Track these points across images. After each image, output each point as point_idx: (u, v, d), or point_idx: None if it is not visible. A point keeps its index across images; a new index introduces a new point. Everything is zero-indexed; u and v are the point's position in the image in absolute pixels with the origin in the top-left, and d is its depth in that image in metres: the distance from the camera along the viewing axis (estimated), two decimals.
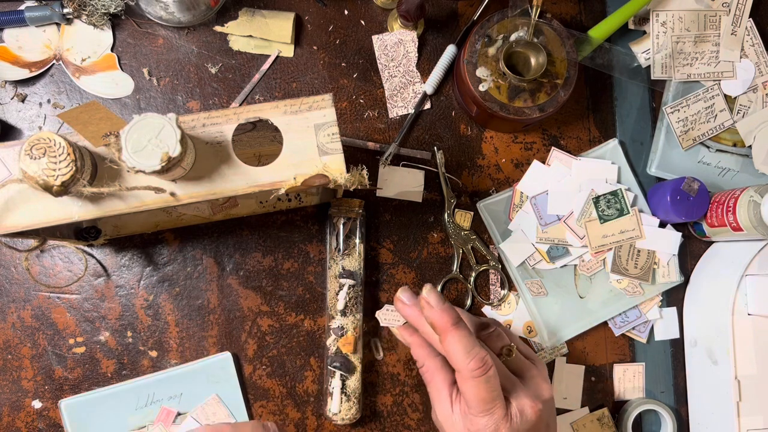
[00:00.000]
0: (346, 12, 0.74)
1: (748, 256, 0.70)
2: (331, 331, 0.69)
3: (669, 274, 0.73)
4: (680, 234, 0.74)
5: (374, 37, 0.74)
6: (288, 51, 0.73)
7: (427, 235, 0.73)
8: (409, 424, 0.72)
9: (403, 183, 0.73)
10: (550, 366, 0.74)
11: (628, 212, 0.73)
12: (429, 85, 0.73)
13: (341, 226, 0.69)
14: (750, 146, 0.76)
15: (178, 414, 0.68)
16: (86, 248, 0.70)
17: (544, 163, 0.74)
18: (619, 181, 0.74)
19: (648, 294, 0.74)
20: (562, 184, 0.73)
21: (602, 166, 0.74)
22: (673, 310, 0.76)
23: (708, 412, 0.72)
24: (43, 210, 0.50)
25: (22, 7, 0.68)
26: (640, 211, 0.73)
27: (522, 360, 0.62)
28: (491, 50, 0.69)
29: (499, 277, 0.74)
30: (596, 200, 0.72)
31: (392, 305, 0.66)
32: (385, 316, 0.68)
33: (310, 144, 0.53)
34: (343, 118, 0.73)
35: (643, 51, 0.76)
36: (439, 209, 0.74)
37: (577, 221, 0.72)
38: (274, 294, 0.71)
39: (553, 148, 0.74)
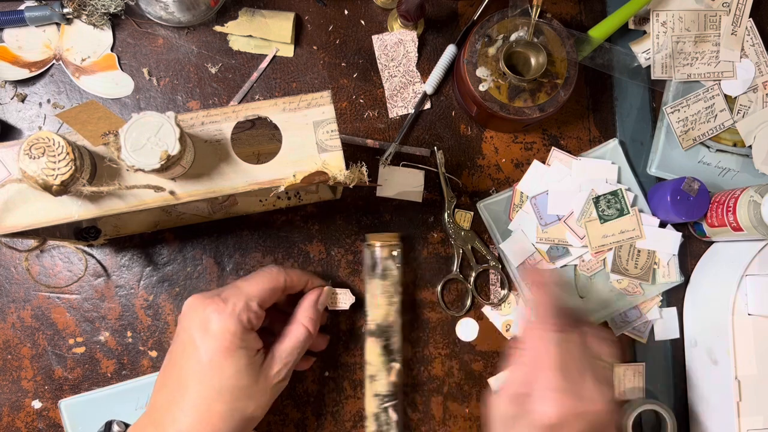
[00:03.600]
0: (346, 12, 0.74)
1: (748, 256, 0.70)
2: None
3: (669, 274, 0.73)
4: (680, 234, 0.73)
5: (374, 37, 0.74)
6: (288, 51, 0.73)
7: (427, 235, 0.73)
8: (409, 424, 0.72)
9: (403, 183, 0.73)
10: None
11: (629, 212, 0.72)
12: (429, 85, 0.73)
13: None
14: (750, 146, 0.76)
15: None
16: (86, 248, 0.70)
17: (544, 163, 0.74)
18: (619, 181, 0.74)
19: (648, 294, 0.74)
20: (562, 184, 0.73)
21: (602, 166, 0.74)
22: (673, 310, 0.76)
23: (708, 412, 0.72)
24: (42, 210, 0.50)
25: (22, 7, 0.68)
26: (640, 211, 0.73)
27: None
28: (491, 50, 0.69)
29: (499, 277, 0.73)
30: (596, 200, 0.72)
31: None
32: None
33: (309, 141, 0.53)
34: (343, 118, 0.73)
35: (643, 51, 0.76)
36: (439, 209, 0.74)
37: (578, 221, 0.72)
38: None
39: (553, 148, 0.74)
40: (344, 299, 0.69)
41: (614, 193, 0.73)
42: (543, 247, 0.72)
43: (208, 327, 0.54)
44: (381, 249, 0.69)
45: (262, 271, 0.61)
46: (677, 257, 0.74)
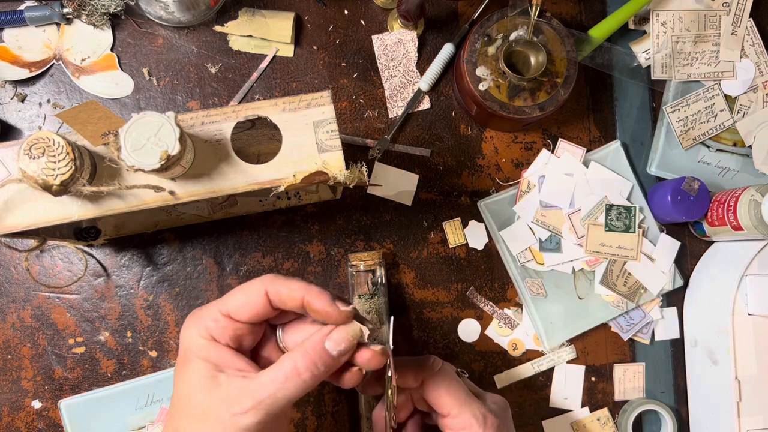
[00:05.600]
0: (346, 12, 0.74)
1: (748, 256, 0.70)
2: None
3: (652, 310, 0.75)
4: (670, 267, 0.74)
5: (374, 37, 0.74)
6: (288, 51, 0.73)
7: (427, 235, 0.73)
8: None
9: (395, 183, 0.73)
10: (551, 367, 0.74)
11: (634, 231, 0.73)
12: (424, 82, 0.73)
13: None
14: (750, 146, 0.76)
15: None
16: (86, 248, 0.70)
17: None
18: (628, 199, 0.74)
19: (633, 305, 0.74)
20: (572, 178, 0.73)
21: (618, 180, 0.74)
22: (674, 310, 0.76)
23: (708, 412, 0.72)
24: (42, 210, 0.50)
25: (22, 7, 0.68)
26: (644, 235, 0.73)
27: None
28: (491, 49, 0.68)
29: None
30: (609, 207, 0.72)
31: None
32: None
33: (309, 141, 0.53)
34: (343, 117, 0.73)
35: (643, 51, 0.76)
36: (439, 209, 0.74)
37: (582, 220, 0.72)
38: None
39: (560, 140, 0.74)
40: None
41: (627, 209, 0.73)
42: (537, 230, 0.73)
43: (182, 334, 0.49)
44: (364, 268, 0.68)
45: (251, 281, 0.49)
46: (675, 265, 0.75)
